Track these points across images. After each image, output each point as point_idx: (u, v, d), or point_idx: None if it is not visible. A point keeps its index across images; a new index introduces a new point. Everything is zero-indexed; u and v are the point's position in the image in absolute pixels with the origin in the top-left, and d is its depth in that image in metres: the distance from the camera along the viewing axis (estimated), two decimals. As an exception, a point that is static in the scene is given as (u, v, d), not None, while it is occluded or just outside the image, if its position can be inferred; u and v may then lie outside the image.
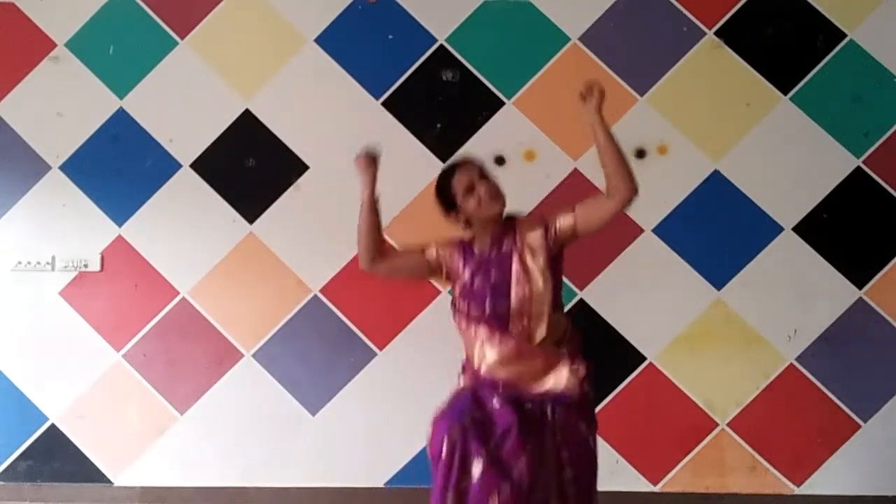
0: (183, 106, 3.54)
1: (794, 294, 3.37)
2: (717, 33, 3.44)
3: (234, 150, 3.51)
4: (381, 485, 3.40)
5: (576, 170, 3.43)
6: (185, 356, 3.48)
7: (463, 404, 2.22)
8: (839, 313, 3.35)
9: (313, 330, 3.46)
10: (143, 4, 3.57)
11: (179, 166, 3.53)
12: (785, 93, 3.42)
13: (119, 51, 3.57)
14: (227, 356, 3.48)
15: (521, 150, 3.44)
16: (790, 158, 3.40)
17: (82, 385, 3.50)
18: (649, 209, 3.40)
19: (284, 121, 3.52)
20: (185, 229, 3.51)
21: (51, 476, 3.48)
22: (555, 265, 2.27)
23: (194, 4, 3.57)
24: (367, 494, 3.40)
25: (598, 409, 3.34)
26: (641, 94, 3.44)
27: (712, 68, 3.43)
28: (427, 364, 3.26)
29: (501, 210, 2.29)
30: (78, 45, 3.57)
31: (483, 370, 2.25)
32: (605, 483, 3.35)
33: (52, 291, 3.52)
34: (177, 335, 3.49)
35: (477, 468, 2.13)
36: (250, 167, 3.51)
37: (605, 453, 3.36)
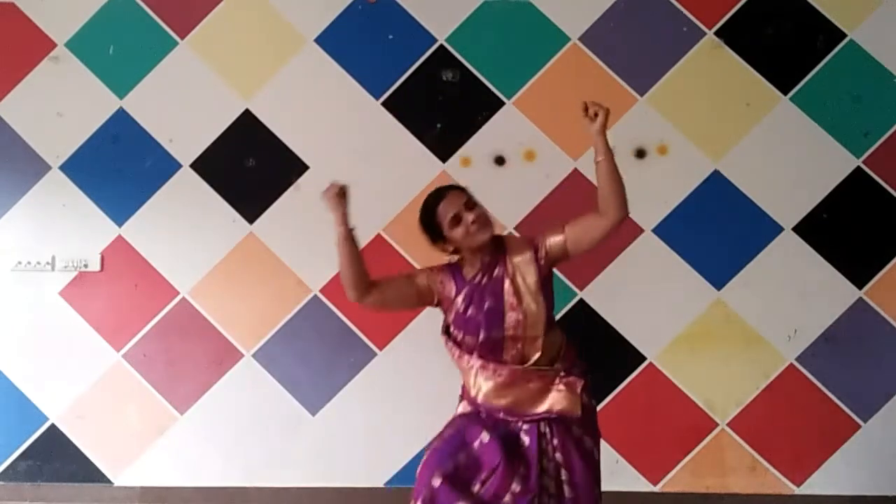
0: (183, 106, 3.54)
1: (794, 294, 3.37)
2: (717, 33, 3.44)
3: (234, 150, 3.51)
4: (381, 485, 3.40)
5: (576, 170, 3.43)
6: (185, 356, 3.49)
7: (450, 448, 2.17)
8: (839, 313, 3.35)
9: (313, 330, 3.46)
10: (143, 4, 3.57)
11: (179, 166, 3.53)
12: (785, 93, 3.42)
13: (119, 51, 3.57)
14: (227, 356, 3.48)
15: (521, 150, 3.44)
16: (790, 158, 3.40)
17: (82, 385, 3.50)
18: (649, 209, 3.40)
19: (284, 121, 3.52)
20: (185, 229, 3.51)
21: (51, 476, 3.48)
22: (546, 285, 2.24)
23: (194, 4, 3.57)
24: (367, 494, 3.40)
25: (598, 409, 3.37)
26: (641, 94, 3.44)
27: (712, 68, 3.43)
28: (427, 364, 3.26)
29: (490, 236, 2.23)
30: (78, 45, 3.57)
31: (480, 399, 2.23)
32: (605, 483, 3.35)
33: (52, 291, 3.52)
34: (177, 335, 3.49)
35: None
36: (250, 167, 3.51)
37: (605, 453, 3.34)
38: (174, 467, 3.47)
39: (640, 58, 3.45)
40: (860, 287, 3.36)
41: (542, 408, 2.20)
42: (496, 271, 2.23)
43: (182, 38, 3.56)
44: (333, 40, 3.52)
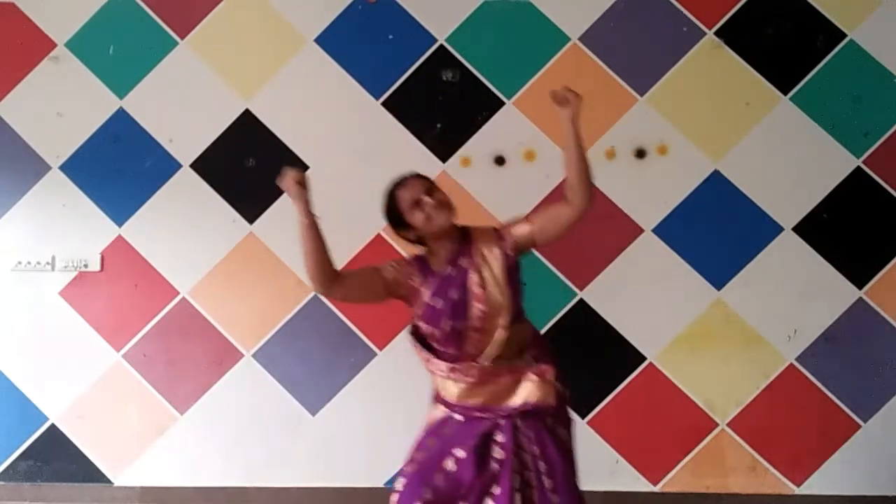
0: (183, 106, 3.54)
1: (794, 294, 3.36)
2: (717, 33, 3.44)
3: (234, 150, 3.51)
4: (381, 485, 3.40)
5: (576, 170, 3.42)
6: (185, 356, 3.49)
7: (424, 474, 2.14)
8: (839, 313, 3.35)
9: (313, 330, 3.46)
10: (143, 4, 3.57)
11: (179, 166, 3.53)
12: (785, 93, 3.42)
13: (119, 51, 3.57)
14: (227, 356, 3.48)
15: (521, 150, 3.44)
16: (790, 158, 3.40)
17: (82, 385, 3.50)
18: (649, 209, 3.40)
19: (284, 121, 3.52)
20: (185, 229, 3.52)
21: (51, 476, 3.48)
22: (512, 275, 2.22)
23: (194, 4, 3.57)
24: (367, 494, 3.39)
25: (598, 409, 3.38)
26: (641, 94, 3.44)
27: (712, 68, 3.43)
28: (427, 364, 3.26)
29: (450, 220, 2.21)
30: (78, 45, 3.57)
31: (453, 401, 2.22)
32: (605, 483, 3.38)
33: (52, 291, 3.52)
34: (177, 335, 3.49)
35: None
36: (250, 167, 3.51)
37: (605, 453, 3.38)
38: (174, 467, 3.47)
39: (640, 58, 3.45)
40: (860, 287, 3.36)
41: (516, 400, 2.18)
42: (462, 262, 2.21)
43: (182, 38, 3.56)
44: (333, 40, 3.52)
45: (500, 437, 2.16)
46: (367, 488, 3.41)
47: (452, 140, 3.47)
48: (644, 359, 3.39)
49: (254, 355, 3.48)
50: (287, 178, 2.19)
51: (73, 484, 3.48)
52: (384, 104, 3.49)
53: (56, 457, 3.49)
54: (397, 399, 3.39)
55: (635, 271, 3.40)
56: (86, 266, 3.52)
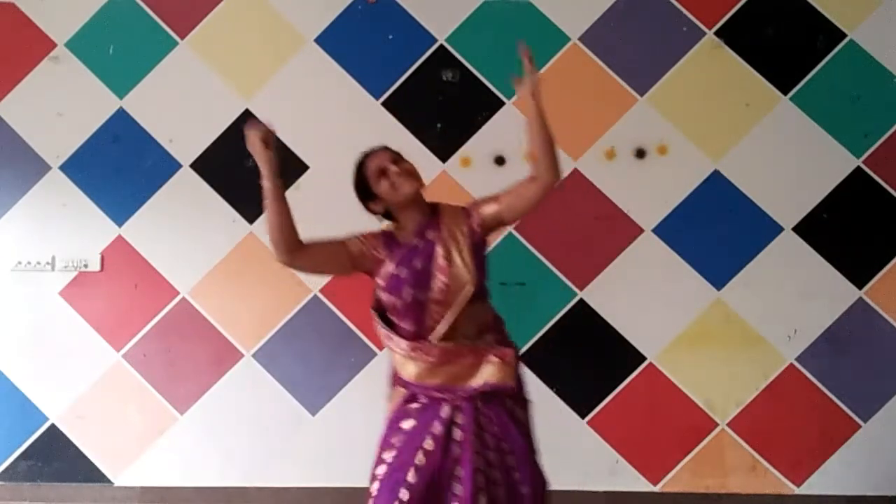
0: (183, 106, 3.54)
1: (794, 294, 3.37)
2: (717, 33, 3.44)
3: (234, 150, 3.49)
4: (381, 485, 3.39)
5: (576, 170, 3.43)
6: (185, 356, 3.49)
7: (397, 476, 2.11)
8: (839, 313, 3.35)
9: (313, 330, 3.46)
10: (143, 4, 3.57)
11: (179, 166, 3.53)
12: (785, 93, 3.42)
13: (119, 51, 3.57)
14: (227, 356, 3.48)
15: (522, 150, 3.44)
16: (790, 158, 3.40)
17: (82, 385, 3.50)
18: (649, 209, 3.40)
19: (284, 121, 3.49)
20: (185, 229, 3.51)
21: (51, 476, 3.48)
22: (478, 256, 2.22)
23: (194, 4, 3.57)
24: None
25: (598, 409, 3.38)
26: (641, 94, 3.44)
27: (712, 68, 3.43)
28: (427, 364, 3.25)
29: (416, 189, 2.21)
30: (78, 45, 3.57)
31: (412, 380, 2.20)
32: (605, 483, 3.38)
33: (52, 291, 3.52)
34: (177, 335, 3.49)
35: None
36: (250, 167, 3.46)
37: (605, 453, 3.38)
38: (174, 467, 3.47)
39: (640, 58, 3.45)
40: (860, 287, 3.36)
41: (476, 381, 2.16)
42: (429, 234, 2.21)
43: (182, 38, 3.56)
44: (333, 40, 3.52)
45: (459, 419, 2.14)
46: (367, 488, 3.40)
47: (452, 140, 3.47)
48: (644, 359, 3.39)
49: (254, 355, 3.48)
50: (251, 136, 2.17)
51: (73, 484, 3.48)
52: (384, 104, 3.49)
53: (56, 457, 3.49)
54: (397, 399, 3.38)
55: (635, 271, 3.40)
56: (86, 266, 3.51)
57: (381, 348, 3.44)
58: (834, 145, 3.39)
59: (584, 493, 3.34)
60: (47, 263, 3.52)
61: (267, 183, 2.17)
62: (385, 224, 2.31)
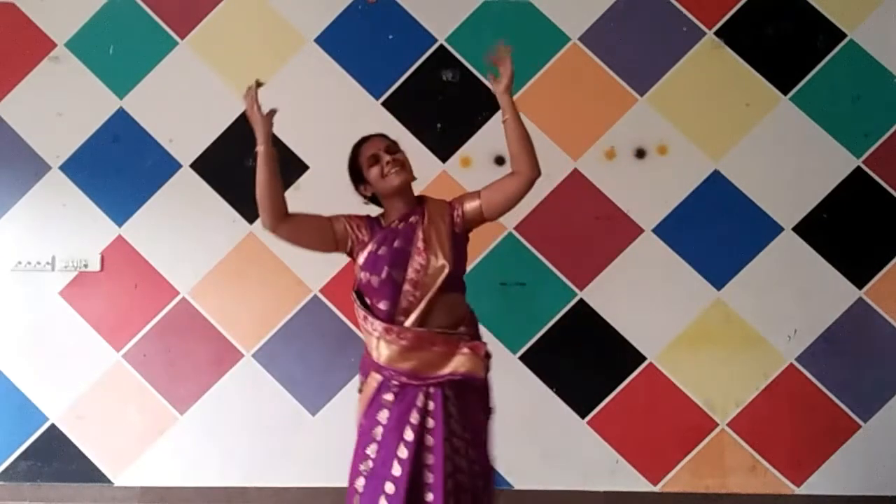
0: (183, 106, 3.54)
1: (794, 294, 3.37)
2: (717, 33, 3.44)
3: (234, 150, 3.51)
4: (381, 485, 3.39)
5: (576, 170, 3.43)
6: (185, 356, 3.48)
7: (382, 468, 2.16)
8: (839, 313, 3.36)
9: (313, 330, 3.46)
10: (143, 4, 3.57)
11: (179, 166, 3.53)
12: (785, 93, 3.42)
13: (119, 51, 3.57)
14: (227, 356, 3.48)
15: (521, 150, 3.44)
16: (790, 158, 3.40)
17: (82, 385, 3.50)
18: (649, 209, 3.40)
19: (284, 121, 3.48)
20: (185, 229, 3.51)
21: (51, 476, 3.48)
22: (457, 246, 2.28)
23: (194, 4, 3.57)
24: (367, 494, 3.39)
25: (598, 409, 3.38)
26: (641, 94, 3.44)
27: (712, 68, 3.43)
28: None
29: (404, 181, 2.29)
30: (78, 45, 3.57)
31: (383, 362, 2.23)
32: (605, 483, 3.38)
33: (52, 291, 3.52)
34: (177, 335, 3.49)
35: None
36: (250, 167, 3.48)
37: (605, 453, 3.38)
38: (174, 467, 3.47)
39: (640, 58, 3.45)
40: (860, 287, 3.36)
41: (446, 370, 2.20)
42: (412, 219, 2.29)
43: (182, 38, 3.56)
44: (333, 40, 3.52)
45: (430, 406, 2.19)
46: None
47: (452, 140, 3.47)
48: (644, 359, 3.39)
49: (254, 355, 3.48)
50: (249, 101, 2.27)
51: (73, 484, 3.47)
52: (384, 104, 3.49)
53: (56, 457, 3.48)
54: (397, 399, 3.38)
55: (635, 271, 3.40)
56: (86, 266, 3.51)
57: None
58: (834, 145, 3.39)
59: (584, 493, 3.34)
60: (47, 263, 3.52)
61: (261, 147, 2.27)
62: (371, 209, 2.39)
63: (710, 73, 3.43)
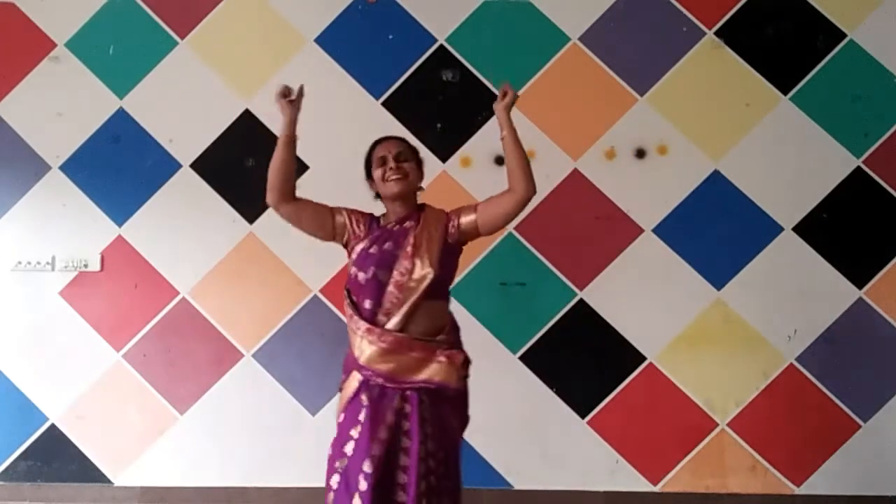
0: (183, 106, 3.54)
1: (794, 294, 3.37)
2: (717, 33, 3.44)
3: (234, 150, 3.51)
4: (381, 485, 3.39)
5: (576, 170, 3.43)
6: (185, 356, 3.48)
7: (356, 466, 2.19)
8: (839, 313, 3.36)
9: (313, 330, 3.46)
10: (143, 4, 3.57)
11: (179, 166, 3.53)
12: (785, 93, 3.42)
13: (119, 51, 3.57)
14: (227, 356, 3.48)
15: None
16: (790, 158, 3.40)
17: (82, 385, 3.50)
18: (649, 209, 3.40)
19: (284, 121, 3.52)
20: (185, 229, 3.51)
21: (51, 476, 3.48)
22: (448, 257, 2.33)
23: (194, 4, 3.57)
24: (367, 494, 3.39)
25: (598, 409, 3.38)
26: (641, 94, 3.44)
27: (712, 68, 3.44)
28: (427, 364, 3.25)
29: (402, 190, 2.35)
30: (78, 45, 3.57)
31: (363, 361, 2.29)
32: (605, 483, 3.38)
33: (52, 291, 3.52)
34: (177, 335, 3.49)
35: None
36: (250, 167, 3.50)
37: (605, 453, 3.38)
38: (174, 467, 3.47)
39: (640, 58, 3.45)
40: (860, 287, 3.36)
41: (421, 376, 2.26)
42: (407, 223, 2.35)
43: (182, 38, 3.56)
44: (333, 40, 3.52)
45: (406, 408, 2.24)
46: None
47: (452, 140, 3.47)
48: (644, 359, 3.39)
49: (254, 355, 3.48)
50: (283, 93, 2.34)
51: (73, 484, 3.47)
52: (384, 104, 3.50)
53: (56, 457, 3.48)
54: (397, 399, 3.38)
55: (635, 271, 3.40)
56: (86, 266, 3.51)
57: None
58: (834, 145, 3.39)
59: (584, 493, 3.34)
60: (47, 263, 3.52)
61: (287, 132, 2.35)
62: (379, 206, 2.45)
63: (710, 73, 3.43)
